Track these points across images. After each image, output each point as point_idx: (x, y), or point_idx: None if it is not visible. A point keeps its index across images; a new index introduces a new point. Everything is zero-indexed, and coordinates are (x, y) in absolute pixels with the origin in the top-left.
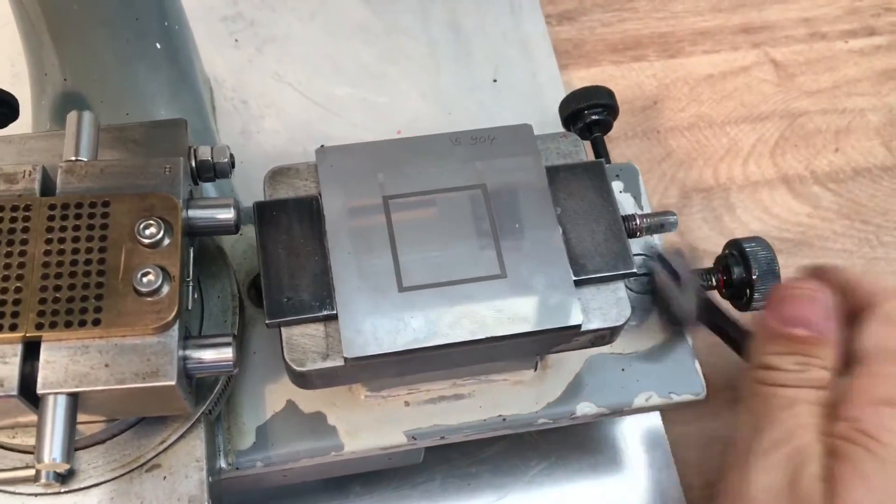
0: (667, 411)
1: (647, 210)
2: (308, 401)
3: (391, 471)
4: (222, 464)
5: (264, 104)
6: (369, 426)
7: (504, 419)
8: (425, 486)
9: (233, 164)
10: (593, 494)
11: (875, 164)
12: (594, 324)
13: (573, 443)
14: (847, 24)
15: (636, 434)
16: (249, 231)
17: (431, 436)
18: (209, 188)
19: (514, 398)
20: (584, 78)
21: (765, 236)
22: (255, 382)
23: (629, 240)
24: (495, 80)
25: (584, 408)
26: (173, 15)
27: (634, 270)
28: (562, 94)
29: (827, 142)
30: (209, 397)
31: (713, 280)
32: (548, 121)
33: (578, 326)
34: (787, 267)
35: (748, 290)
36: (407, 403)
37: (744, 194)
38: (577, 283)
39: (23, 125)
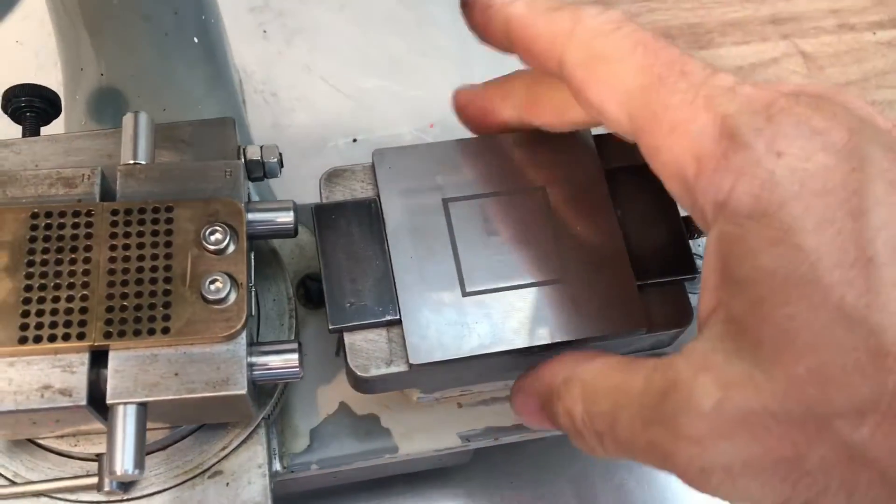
0: None
1: None
2: (361, 403)
3: (438, 472)
4: (277, 467)
5: (294, 97)
6: (423, 428)
7: None
8: (467, 484)
9: (281, 164)
10: (632, 487)
11: None
12: (657, 328)
13: None
14: (875, 16)
15: None
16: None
17: (485, 437)
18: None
19: None
20: None
21: None
22: (308, 385)
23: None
24: None
25: None
26: (209, 8)
27: (697, 273)
28: None
29: None
30: (269, 402)
31: None
32: None
33: (642, 331)
34: None
35: None
36: (460, 405)
37: None
38: (640, 287)
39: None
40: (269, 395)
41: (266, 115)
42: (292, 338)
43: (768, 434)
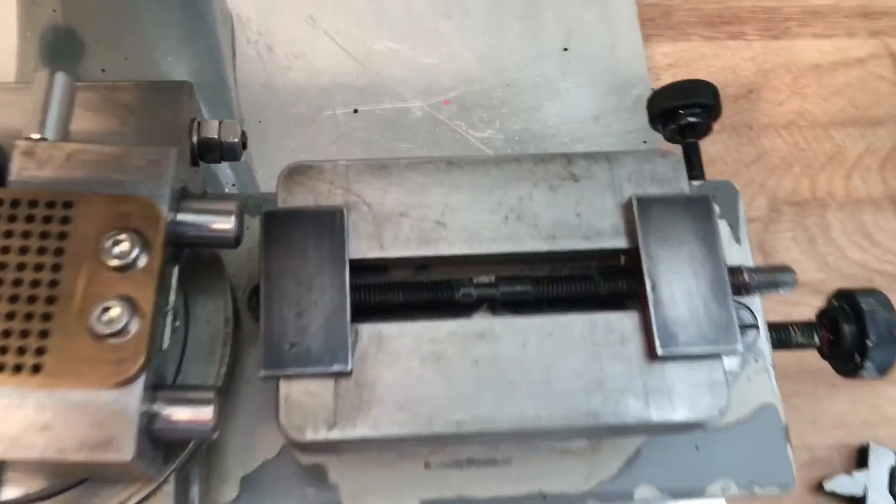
0: None
1: (744, 241)
2: None
3: None
4: None
5: (293, 53)
6: (379, 489)
7: (545, 498)
8: None
9: (244, 145)
10: None
11: None
12: (678, 414)
13: None
14: None
15: None
16: (256, 225)
17: None
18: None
19: (560, 471)
20: (668, 54)
21: (865, 267)
22: (246, 420)
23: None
24: (566, 49)
25: (644, 491)
26: None
27: (738, 348)
28: (643, 72)
29: None
30: (182, 453)
31: (816, 337)
32: (623, 105)
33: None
34: None
35: (859, 357)
36: (428, 465)
37: (843, 213)
38: (664, 358)
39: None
40: (182, 444)
41: (258, 71)
42: (222, 371)
43: None
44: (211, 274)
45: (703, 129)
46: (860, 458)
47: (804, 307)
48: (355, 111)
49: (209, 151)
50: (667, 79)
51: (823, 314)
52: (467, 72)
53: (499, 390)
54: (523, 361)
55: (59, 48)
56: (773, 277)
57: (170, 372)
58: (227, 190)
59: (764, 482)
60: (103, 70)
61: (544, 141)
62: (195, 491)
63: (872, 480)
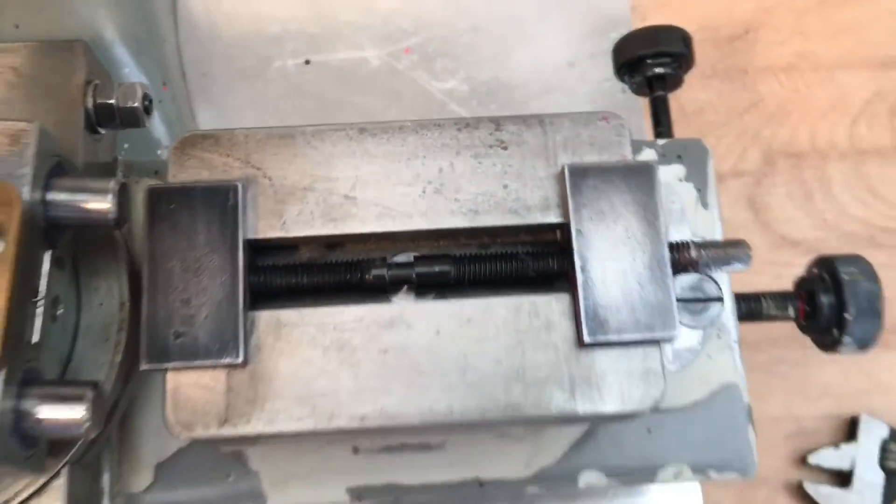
0: None
1: (712, 207)
2: None
3: None
4: None
5: None
6: (303, 475)
7: (481, 484)
8: None
9: (148, 111)
10: None
11: None
12: (607, 406)
13: None
14: None
15: None
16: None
17: (382, 496)
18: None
19: (499, 456)
20: None
21: (867, 224)
22: (159, 405)
23: (679, 274)
24: None
25: (590, 476)
26: None
27: (675, 334)
28: (625, 12)
29: None
30: (73, 448)
31: (791, 309)
32: (601, 50)
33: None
34: (890, 266)
35: (837, 330)
36: (356, 450)
37: (846, 165)
38: (592, 345)
39: None
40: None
41: (201, 20)
42: (117, 359)
43: None
44: (104, 254)
45: (674, 82)
46: (850, 430)
47: (798, 269)
48: (307, 62)
49: (106, 117)
50: (654, 20)
51: (801, 283)
52: (430, 15)
53: (408, 382)
54: (437, 350)
55: None
56: (725, 253)
57: (52, 364)
58: (160, 153)
59: (722, 467)
60: (17, 26)
61: (514, 91)
62: (105, 480)
63: (861, 454)
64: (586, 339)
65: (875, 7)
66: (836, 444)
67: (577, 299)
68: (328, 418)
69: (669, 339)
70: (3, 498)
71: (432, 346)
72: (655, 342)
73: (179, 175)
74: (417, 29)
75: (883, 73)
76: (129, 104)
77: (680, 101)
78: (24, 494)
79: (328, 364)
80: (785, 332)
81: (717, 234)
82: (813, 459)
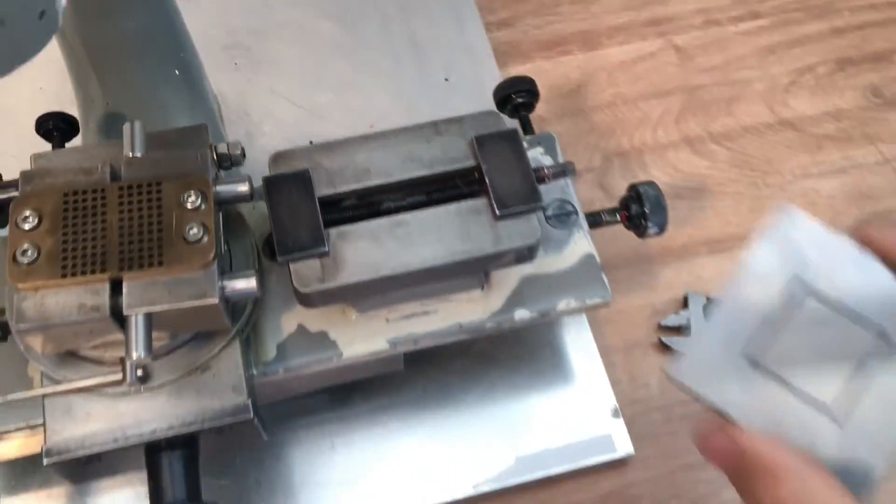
0: (595, 325)
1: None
2: (313, 323)
3: (383, 383)
4: (254, 371)
5: (263, 113)
6: (360, 338)
7: (461, 326)
8: (410, 394)
9: (244, 155)
10: (538, 392)
11: (760, 122)
12: (515, 243)
13: (522, 355)
14: (736, 11)
15: (571, 345)
16: (261, 207)
17: (407, 342)
18: None
19: (468, 311)
20: (521, 71)
21: (672, 186)
22: (273, 314)
23: (539, 185)
24: (447, 80)
25: (521, 314)
26: (186, 46)
27: (542, 204)
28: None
29: (721, 108)
30: (241, 317)
31: (618, 216)
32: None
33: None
34: (692, 209)
35: (643, 221)
36: (387, 320)
37: (655, 155)
38: (501, 217)
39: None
40: (241, 312)
41: (240, 128)
42: (256, 267)
43: None
44: (239, 226)
45: (529, 106)
46: (684, 303)
47: None
48: (311, 142)
49: (224, 160)
50: None
51: (621, 201)
52: (383, 105)
53: (412, 249)
54: (424, 232)
55: (111, 127)
56: (561, 168)
57: (225, 270)
58: None
59: (591, 298)
60: None
61: None
62: (251, 355)
63: (692, 314)
64: (498, 213)
65: (655, 61)
66: (676, 312)
67: (490, 197)
68: (376, 272)
69: (540, 208)
70: (208, 350)
71: (421, 231)
72: (532, 210)
73: (276, 170)
74: (376, 113)
75: (666, 98)
76: (236, 152)
77: (544, 131)
78: (218, 348)
79: (370, 247)
80: (636, 256)
81: (568, 186)
82: (664, 322)
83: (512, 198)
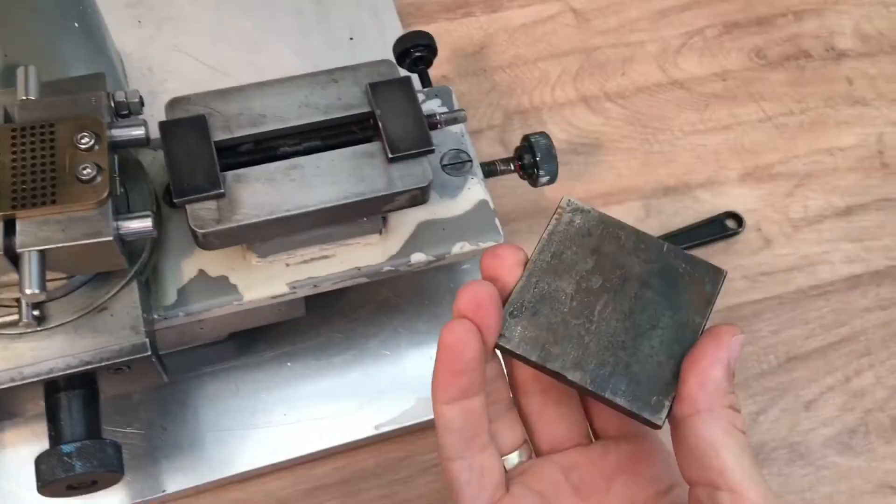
0: None
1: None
2: (214, 269)
3: (288, 330)
4: (155, 315)
5: (166, 70)
6: (260, 282)
7: (359, 269)
8: (314, 340)
9: (142, 103)
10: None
11: (652, 82)
12: (407, 185)
13: (424, 302)
14: None
15: None
16: (161, 157)
17: (306, 285)
18: None
19: (366, 255)
20: None
21: (569, 142)
22: (173, 261)
23: (432, 131)
24: (352, 38)
25: (417, 257)
26: (86, 0)
27: (433, 148)
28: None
29: (615, 69)
30: (139, 260)
31: (512, 165)
32: None
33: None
34: (588, 164)
35: (535, 170)
36: (287, 265)
37: (553, 113)
38: (394, 160)
39: None
40: (139, 255)
41: (144, 85)
42: (153, 209)
43: None
44: (137, 172)
45: (428, 60)
46: None
47: None
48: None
49: (122, 109)
50: None
51: (515, 150)
52: (288, 64)
53: (308, 191)
54: (319, 174)
55: (9, 77)
56: (452, 115)
57: (122, 209)
58: None
59: (485, 241)
60: None
61: None
62: (151, 299)
63: None
64: (390, 156)
65: (554, 23)
66: None
67: (383, 141)
68: (271, 212)
69: (431, 152)
70: (105, 291)
71: (317, 173)
72: (423, 153)
73: (172, 115)
74: (281, 72)
75: (565, 59)
76: (133, 100)
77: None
78: (116, 289)
79: (266, 189)
80: (534, 208)
81: (464, 136)
82: None
83: (404, 141)
